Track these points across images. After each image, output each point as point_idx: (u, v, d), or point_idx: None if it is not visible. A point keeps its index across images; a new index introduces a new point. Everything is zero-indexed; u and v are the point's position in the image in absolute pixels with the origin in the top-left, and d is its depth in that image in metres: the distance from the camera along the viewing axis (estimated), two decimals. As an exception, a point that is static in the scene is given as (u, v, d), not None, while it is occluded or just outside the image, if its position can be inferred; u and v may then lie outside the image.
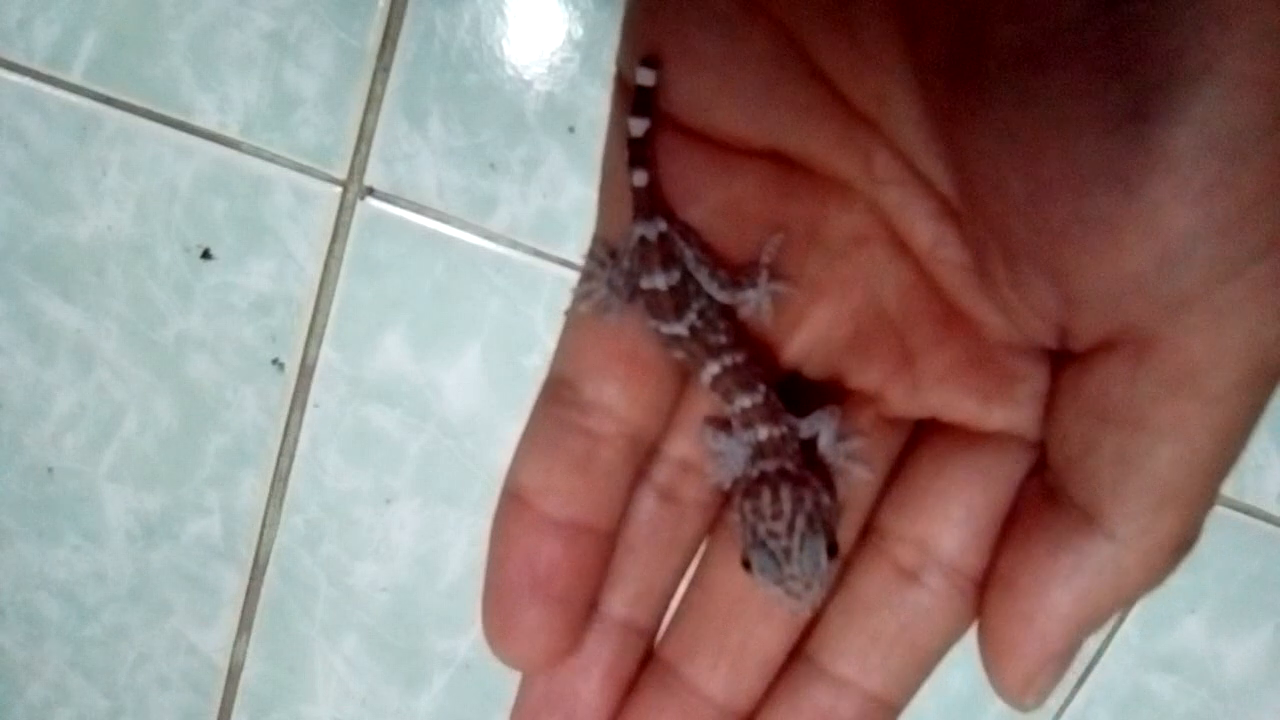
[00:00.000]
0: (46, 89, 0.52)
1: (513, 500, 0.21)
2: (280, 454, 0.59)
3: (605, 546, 0.21)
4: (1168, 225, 0.16)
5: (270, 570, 0.62)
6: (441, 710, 0.65)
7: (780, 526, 0.21)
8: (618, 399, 0.21)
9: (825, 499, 0.22)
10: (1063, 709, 0.64)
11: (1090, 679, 0.63)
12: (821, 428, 0.22)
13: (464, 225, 0.53)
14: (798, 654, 0.22)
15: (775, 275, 0.21)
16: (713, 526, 0.23)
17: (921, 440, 0.22)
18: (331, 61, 0.51)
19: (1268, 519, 0.59)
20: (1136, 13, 0.15)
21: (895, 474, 0.22)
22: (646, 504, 0.22)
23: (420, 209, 0.53)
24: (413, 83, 0.51)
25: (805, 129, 0.20)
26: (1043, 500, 0.20)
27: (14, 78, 0.52)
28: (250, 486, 0.60)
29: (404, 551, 0.61)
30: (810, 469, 0.22)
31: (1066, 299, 0.18)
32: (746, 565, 0.21)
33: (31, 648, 0.66)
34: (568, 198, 0.52)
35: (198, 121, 0.52)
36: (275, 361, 0.57)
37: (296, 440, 0.59)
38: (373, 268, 0.55)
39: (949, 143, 0.18)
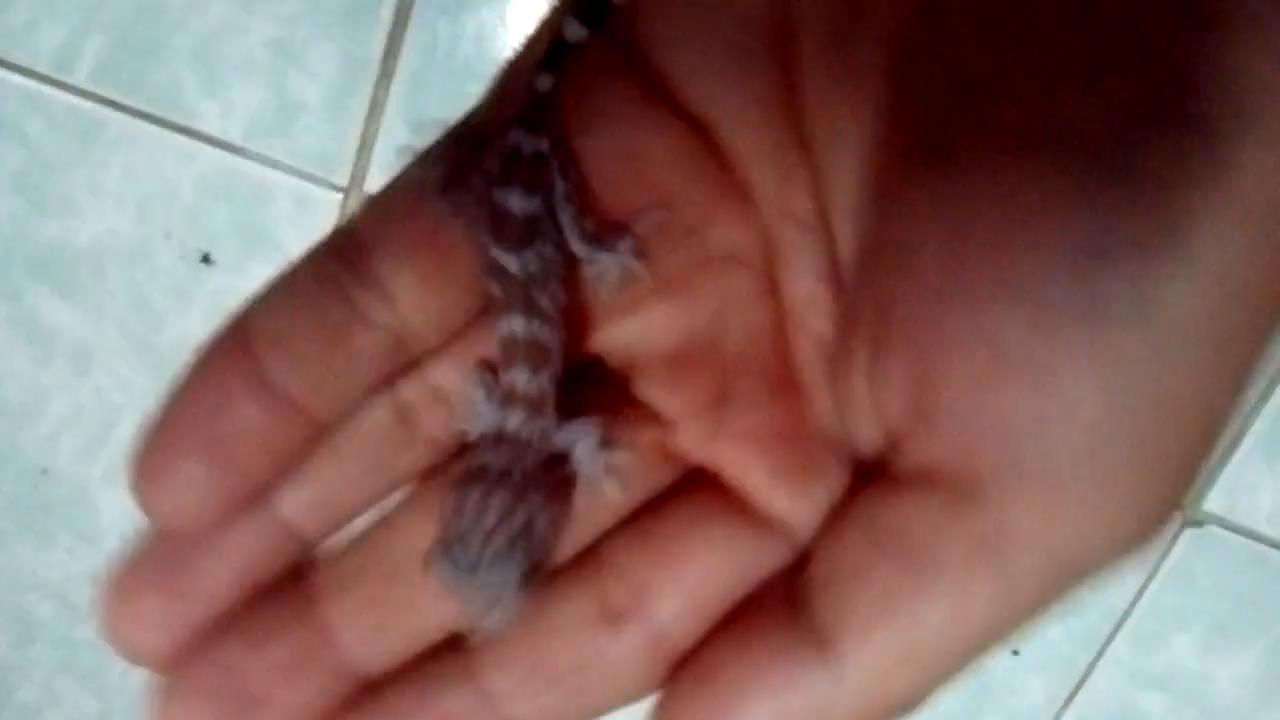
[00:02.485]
0: (51, 92, 0.52)
1: (235, 337, 0.18)
2: (276, 459, 0.59)
3: (310, 437, 0.18)
4: (1073, 396, 0.14)
5: (264, 575, 0.62)
6: None
7: (476, 536, 0.18)
8: (406, 291, 0.18)
9: (542, 522, 0.19)
10: (1053, 726, 0.64)
11: (1080, 696, 0.63)
12: (582, 438, 0.19)
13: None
14: (455, 645, 0.19)
15: (639, 251, 0.18)
16: (431, 471, 0.20)
17: (689, 488, 0.19)
18: (335, 69, 0.51)
19: (1259, 539, 0.59)
20: (1172, 151, 0.13)
21: (644, 511, 0.19)
22: (377, 415, 0.19)
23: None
24: (416, 92, 0.51)
25: (745, 119, 0.18)
26: (783, 603, 0.17)
27: (19, 80, 0.52)
28: (245, 491, 0.60)
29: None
30: (545, 483, 0.19)
31: (917, 409, 0.16)
32: (426, 561, 0.18)
33: (23, 649, 0.66)
34: (568, 208, 0.52)
35: (201, 126, 0.53)
36: (273, 367, 0.57)
37: (293, 445, 0.59)
38: (372, 275, 0.55)
39: (880, 196, 0.16)
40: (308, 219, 0.54)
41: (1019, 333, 0.14)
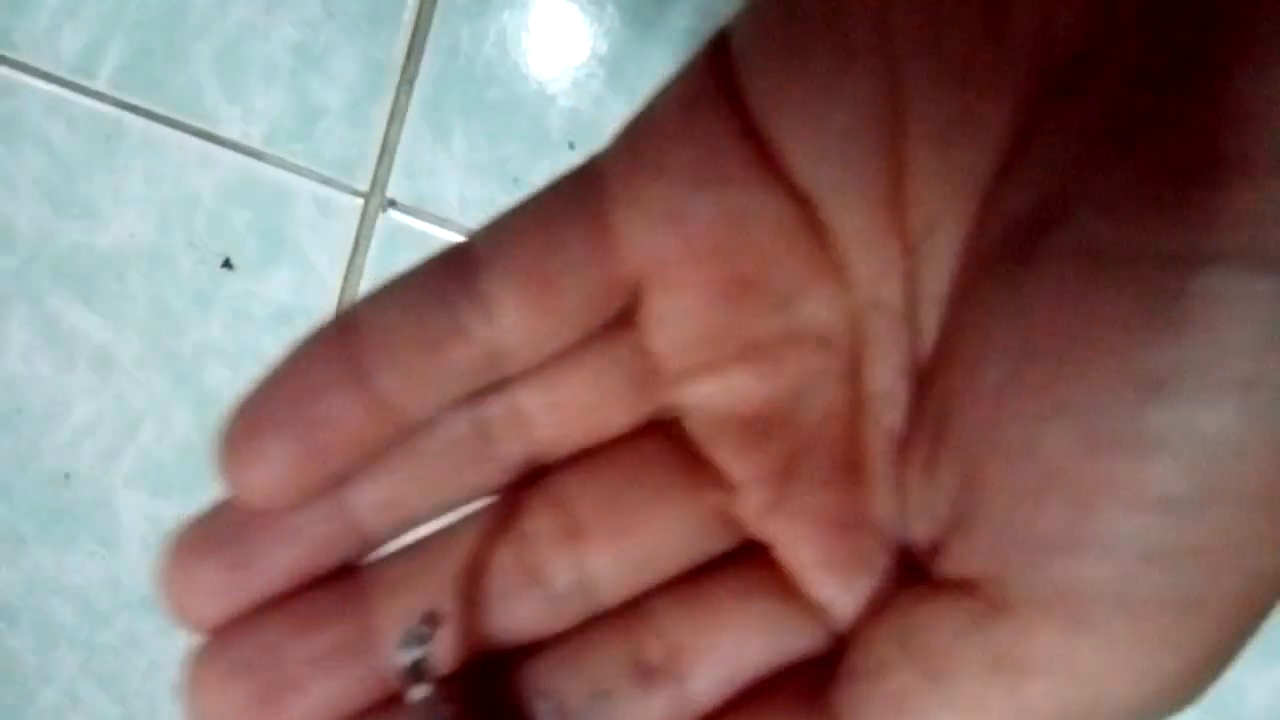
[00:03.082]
0: (72, 96, 0.52)
1: (341, 328, 0.18)
2: (297, 465, 0.59)
3: (392, 438, 0.18)
4: (1110, 523, 0.14)
5: (284, 581, 0.62)
6: None
7: None
8: (508, 311, 0.18)
9: None
10: (1080, 737, 0.63)
11: (1109, 708, 0.62)
12: None
13: (485, 239, 0.53)
14: (491, 668, 0.20)
15: None
16: (502, 496, 0.20)
17: (743, 559, 0.19)
18: (356, 74, 0.51)
19: (1292, 549, 0.58)
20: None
21: (695, 574, 0.19)
22: (458, 427, 0.19)
23: (442, 222, 0.53)
24: (437, 96, 0.51)
25: (849, 200, 0.17)
26: (807, 689, 0.18)
27: (40, 85, 0.52)
28: (266, 496, 0.60)
29: (418, 565, 0.61)
30: None
31: (960, 515, 0.16)
32: None
33: (44, 653, 0.66)
34: (590, 213, 0.52)
35: (222, 131, 0.53)
36: (294, 372, 0.57)
37: (313, 451, 0.59)
38: (393, 280, 0.55)
39: (962, 297, 0.16)
40: (329, 224, 0.54)
41: (1067, 454, 0.14)
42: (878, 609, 0.18)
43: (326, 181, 0.53)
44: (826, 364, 0.18)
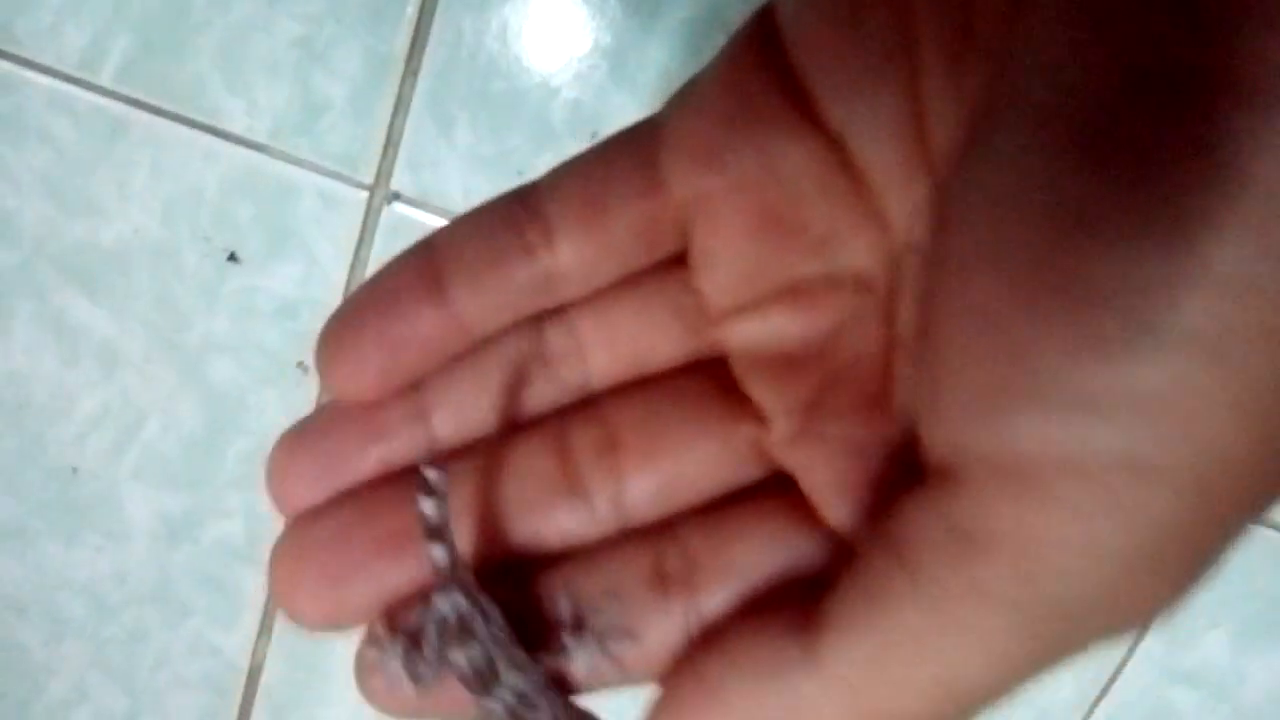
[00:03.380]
0: (76, 92, 0.52)
1: (423, 246, 0.20)
2: (303, 457, 0.59)
3: (463, 346, 0.20)
4: (1062, 387, 0.14)
5: (291, 573, 0.62)
6: (459, 715, 0.65)
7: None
8: (567, 235, 0.20)
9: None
10: (1083, 722, 0.63)
11: (1112, 693, 0.62)
12: None
13: (489, 231, 0.54)
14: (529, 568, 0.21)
15: (604, 634, 0.19)
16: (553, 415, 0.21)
17: (768, 488, 0.20)
18: (360, 67, 0.51)
19: (1293, 535, 0.59)
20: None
21: (723, 500, 0.20)
22: (520, 345, 0.21)
23: (447, 214, 0.53)
24: (440, 89, 0.51)
25: (879, 140, 0.18)
26: (804, 599, 0.18)
27: (44, 80, 0.52)
28: (272, 489, 0.60)
29: (424, 556, 0.61)
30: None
31: (931, 390, 0.16)
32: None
33: (52, 646, 0.66)
34: (593, 205, 0.52)
35: (226, 126, 0.53)
36: (300, 365, 0.57)
37: (319, 444, 0.59)
38: (398, 273, 0.55)
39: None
40: (334, 216, 0.54)
41: (1002, 303, 0.14)
42: (877, 520, 0.18)
43: (331, 175, 0.53)
44: (863, 306, 0.19)
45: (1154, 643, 0.61)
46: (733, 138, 0.19)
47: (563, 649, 0.20)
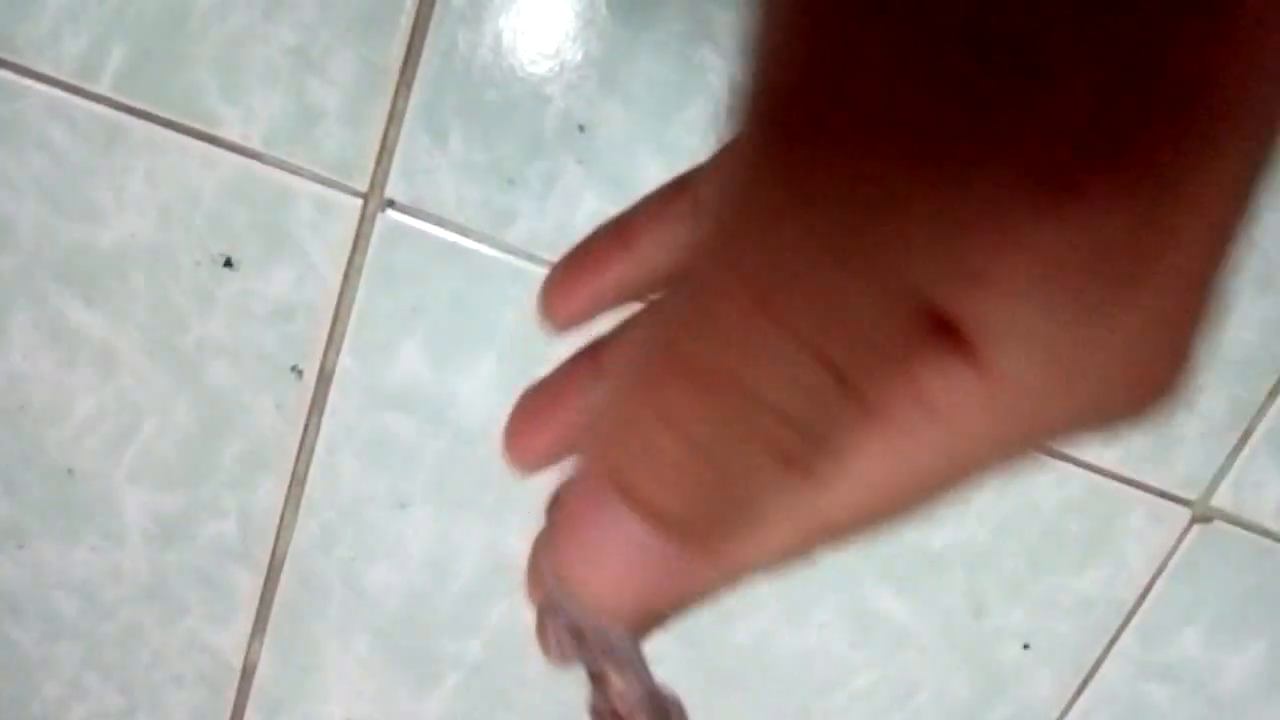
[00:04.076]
0: (74, 100, 0.53)
1: (617, 219, 0.25)
2: (297, 458, 0.60)
3: (648, 286, 0.25)
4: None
5: (285, 572, 0.63)
6: (451, 711, 0.66)
7: None
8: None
9: None
10: (1061, 717, 0.65)
11: (1089, 689, 0.64)
12: None
13: (482, 238, 0.54)
14: None
15: None
16: None
17: None
18: (354, 77, 0.52)
19: (1265, 534, 0.60)
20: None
21: None
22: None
23: (439, 221, 0.54)
24: (434, 98, 0.52)
25: None
26: None
27: (43, 88, 0.53)
28: (267, 490, 0.61)
29: (417, 555, 0.62)
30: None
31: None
32: None
33: (48, 645, 0.67)
34: (583, 212, 0.53)
35: (222, 133, 0.53)
36: (294, 368, 0.58)
37: (314, 445, 0.60)
38: (392, 278, 0.56)
39: None
40: (328, 224, 0.55)
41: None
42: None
43: (325, 182, 0.54)
44: None
45: (1130, 639, 0.62)
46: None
47: None
